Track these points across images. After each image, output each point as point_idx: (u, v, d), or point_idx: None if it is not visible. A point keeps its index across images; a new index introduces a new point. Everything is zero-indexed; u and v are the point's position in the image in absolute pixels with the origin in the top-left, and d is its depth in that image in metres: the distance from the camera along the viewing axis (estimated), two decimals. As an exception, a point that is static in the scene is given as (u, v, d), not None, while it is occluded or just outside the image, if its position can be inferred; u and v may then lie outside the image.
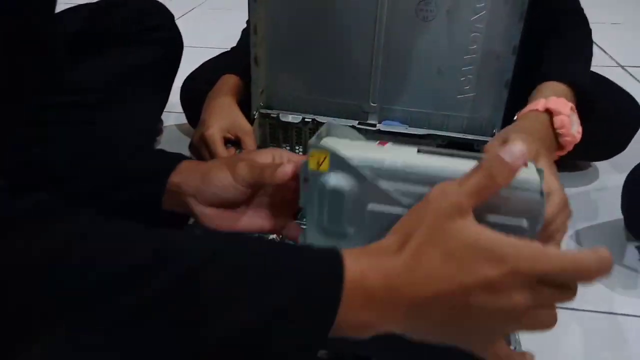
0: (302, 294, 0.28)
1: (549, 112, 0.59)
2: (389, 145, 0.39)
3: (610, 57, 1.36)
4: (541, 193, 0.33)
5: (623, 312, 0.57)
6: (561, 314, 0.56)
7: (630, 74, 1.26)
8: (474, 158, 0.37)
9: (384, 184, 0.36)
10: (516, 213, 0.34)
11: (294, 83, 0.80)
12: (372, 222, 0.38)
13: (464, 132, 0.76)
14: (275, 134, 0.82)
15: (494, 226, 0.34)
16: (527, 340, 0.52)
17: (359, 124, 0.77)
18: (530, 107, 0.61)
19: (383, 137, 0.75)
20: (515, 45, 0.67)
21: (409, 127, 0.77)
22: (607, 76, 0.80)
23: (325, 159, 0.36)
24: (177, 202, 0.44)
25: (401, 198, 0.36)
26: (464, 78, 0.74)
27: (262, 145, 0.81)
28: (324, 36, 0.76)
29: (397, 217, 0.36)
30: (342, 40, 0.76)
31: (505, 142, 0.54)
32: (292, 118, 0.79)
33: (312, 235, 0.40)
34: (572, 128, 0.58)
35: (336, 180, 0.37)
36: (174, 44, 0.85)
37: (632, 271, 0.64)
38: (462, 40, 0.71)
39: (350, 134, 0.41)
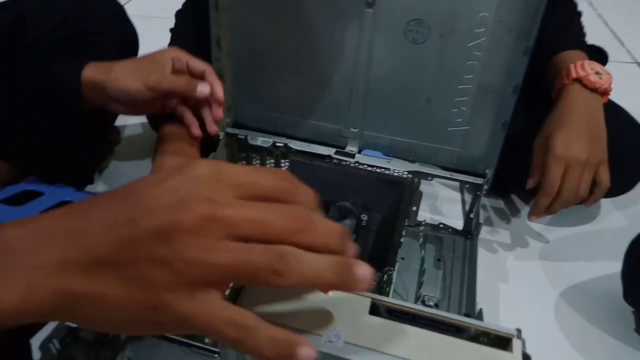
0: None
1: (579, 80, 0.65)
2: (331, 294, 0.31)
3: (628, 51, 1.23)
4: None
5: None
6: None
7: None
8: (442, 327, 0.30)
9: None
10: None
11: (264, 101, 0.71)
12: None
13: (454, 167, 0.67)
14: (243, 152, 0.73)
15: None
16: None
17: (336, 152, 0.68)
18: (558, 82, 0.67)
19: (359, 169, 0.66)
20: (517, 84, 0.57)
21: (393, 157, 0.68)
22: (620, 74, 0.71)
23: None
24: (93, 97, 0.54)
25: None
26: (456, 110, 0.64)
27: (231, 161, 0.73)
28: (297, 51, 0.66)
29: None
30: (319, 57, 0.66)
31: (548, 139, 0.64)
32: (261, 142, 0.70)
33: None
34: (602, 78, 0.65)
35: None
36: (125, 44, 0.73)
37: (625, 345, 0.58)
38: (456, 67, 0.61)
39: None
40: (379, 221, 0.65)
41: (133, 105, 0.58)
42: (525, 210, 0.76)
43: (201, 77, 0.60)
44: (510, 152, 0.65)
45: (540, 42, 0.56)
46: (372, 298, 0.31)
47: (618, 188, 0.69)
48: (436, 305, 0.58)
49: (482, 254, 0.67)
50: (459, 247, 0.66)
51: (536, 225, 0.74)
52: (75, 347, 0.37)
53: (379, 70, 0.64)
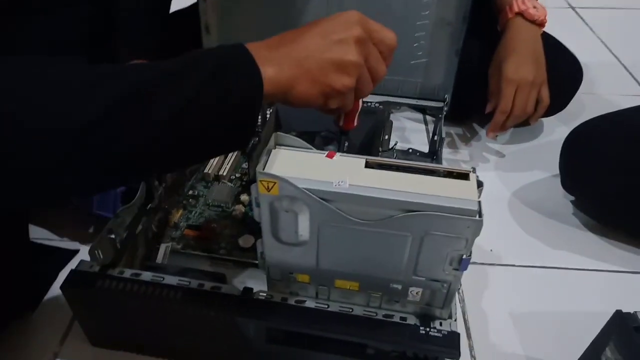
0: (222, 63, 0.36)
1: (520, 14, 0.76)
2: (336, 157, 0.41)
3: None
4: (479, 214, 0.37)
5: (560, 266, 0.65)
6: (497, 269, 0.65)
7: (579, 16, 1.29)
8: (419, 171, 0.40)
9: (334, 205, 0.39)
10: (457, 232, 0.38)
11: None
12: (325, 232, 0.41)
13: (418, 96, 0.78)
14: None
15: (438, 236, 0.38)
16: (467, 297, 0.60)
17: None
18: (503, 16, 0.79)
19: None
20: (466, 14, 0.68)
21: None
22: (558, 18, 0.83)
23: (274, 185, 0.38)
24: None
25: (352, 214, 0.39)
26: (416, 44, 0.74)
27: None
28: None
29: (351, 230, 0.40)
30: (295, 3, 0.74)
31: (499, 65, 0.76)
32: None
33: (268, 245, 0.43)
34: (539, 11, 0.76)
35: (287, 204, 0.39)
36: None
37: (566, 225, 0.71)
38: (415, 6, 0.71)
39: (298, 142, 0.43)
40: (357, 147, 0.75)
41: None
42: (482, 133, 0.88)
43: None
44: (467, 82, 0.76)
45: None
46: (365, 158, 0.41)
47: (555, 106, 0.81)
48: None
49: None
50: (427, 163, 0.77)
51: (492, 145, 0.86)
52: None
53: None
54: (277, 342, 0.47)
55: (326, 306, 0.46)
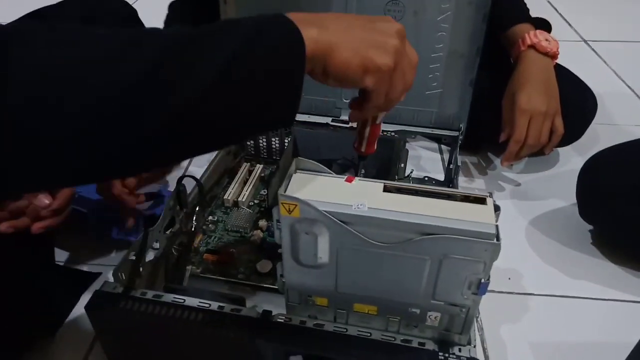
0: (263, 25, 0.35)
1: (533, 47, 0.79)
2: (355, 181, 0.43)
3: (575, 31, 1.39)
4: (497, 237, 0.38)
5: (579, 295, 0.64)
6: (516, 298, 0.64)
7: (592, 49, 1.30)
8: (436, 195, 0.41)
9: (353, 228, 0.40)
10: (475, 255, 0.39)
11: None
12: (344, 255, 0.42)
13: (433, 126, 0.79)
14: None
15: (456, 260, 0.39)
16: (486, 325, 0.59)
17: (332, 120, 0.80)
18: (516, 49, 0.81)
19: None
20: (479, 46, 0.70)
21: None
22: (571, 51, 0.85)
23: (295, 207, 0.39)
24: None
25: (370, 237, 0.40)
26: (431, 75, 0.76)
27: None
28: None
29: (370, 253, 0.41)
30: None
31: (513, 96, 0.77)
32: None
33: (288, 267, 0.44)
34: (551, 44, 0.79)
35: (307, 226, 0.40)
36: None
37: (584, 254, 0.70)
38: (428, 39, 0.73)
39: (318, 167, 0.44)
40: (373, 174, 0.77)
41: None
42: (497, 162, 0.88)
43: None
44: (481, 112, 0.78)
45: (493, 17, 0.69)
46: (383, 182, 0.42)
47: (570, 136, 0.82)
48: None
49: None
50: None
51: (508, 174, 0.86)
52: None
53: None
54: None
55: (345, 330, 0.46)
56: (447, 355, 0.44)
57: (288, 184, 0.42)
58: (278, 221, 0.41)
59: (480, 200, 0.41)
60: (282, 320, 0.47)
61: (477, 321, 0.61)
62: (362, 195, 0.41)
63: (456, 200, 0.41)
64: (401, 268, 0.42)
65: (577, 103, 0.81)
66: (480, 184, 0.84)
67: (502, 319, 0.61)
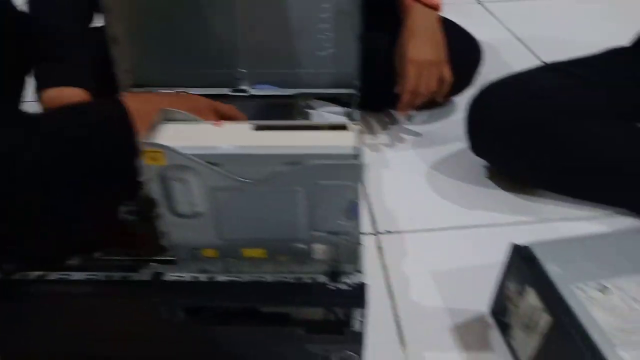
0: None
1: (418, 0, 0.80)
2: (225, 125, 0.43)
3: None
4: (357, 158, 0.39)
5: (475, 224, 0.68)
6: (417, 235, 0.67)
7: (486, 9, 1.38)
8: (304, 128, 0.42)
9: (222, 169, 0.40)
10: (339, 179, 0.40)
11: (161, 57, 0.80)
12: (220, 200, 0.42)
13: (332, 87, 0.81)
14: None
15: (325, 186, 0.40)
16: (390, 263, 0.61)
17: (233, 91, 0.79)
18: (402, 4, 0.82)
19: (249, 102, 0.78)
20: (360, 2, 0.72)
21: (281, 88, 0.80)
22: (466, 11, 0.89)
23: (160, 154, 0.39)
24: None
25: (242, 177, 0.40)
26: (322, 36, 0.78)
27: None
28: (183, 6, 0.76)
29: (246, 194, 0.41)
30: (203, 8, 0.76)
31: (402, 48, 0.80)
32: (164, 95, 0.80)
33: (168, 221, 0.44)
34: None
35: (175, 173, 0.40)
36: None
37: (480, 187, 0.75)
38: (315, 1, 0.75)
39: (185, 116, 0.44)
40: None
41: None
42: (400, 118, 0.92)
43: None
44: (380, 72, 0.80)
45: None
46: (254, 123, 0.43)
47: (460, 84, 0.87)
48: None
49: (368, 154, 0.83)
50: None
51: (410, 127, 0.90)
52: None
53: (255, 12, 0.76)
54: (194, 322, 0.47)
55: (237, 278, 0.46)
56: (335, 285, 0.45)
57: (153, 134, 0.42)
58: (146, 174, 0.41)
59: (342, 127, 0.42)
60: (174, 279, 0.47)
61: (381, 259, 0.63)
62: (231, 137, 0.41)
63: (321, 130, 0.42)
64: (277, 204, 0.42)
65: (463, 52, 0.86)
66: (384, 139, 0.87)
67: (405, 256, 0.64)
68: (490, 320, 0.55)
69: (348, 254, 0.46)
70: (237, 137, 0.41)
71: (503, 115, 0.70)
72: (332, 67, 0.80)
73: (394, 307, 0.57)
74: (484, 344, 0.53)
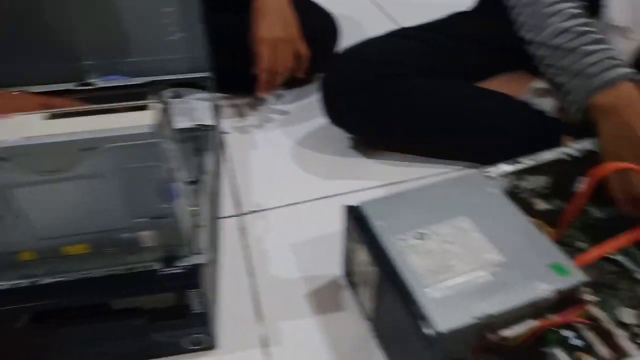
0: None
1: None
2: (17, 117, 0.40)
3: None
4: (158, 136, 0.38)
5: (333, 193, 0.70)
6: (279, 211, 0.68)
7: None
8: (103, 112, 0.41)
9: (13, 162, 0.37)
10: (146, 160, 0.39)
11: (5, 56, 0.73)
12: (21, 196, 0.40)
13: (187, 72, 0.79)
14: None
15: (133, 170, 0.39)
16: (252, 242, 0.62)
17: (78, 85, 0.75)
18: None
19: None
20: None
21: (132, 78, 0.77)
22: None
23: None
24: None
25: (39, 168, 0.38)
26: (167, 20, 0.75)
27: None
28: (15, 2, 0.70)
29: (50, 187, 0.38)
30: (35, 2, 0.71)
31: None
32: (2, 95, 0.73)
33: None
34: None
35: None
36: None
37: (343, 157, 0.77)
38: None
39: None
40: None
41: None
42: (268, 98, 0.92)
43: None
44: (240, 55, 0.79)
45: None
46: (50, 112, 0.40)
47: (319, 59, 0.88)
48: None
49: (235, 137, 0.82)
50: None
51: (278, 107, 0.90)
52: None
53: (89, 5, 0.72)
54: (35, 327, 0.44)
55: (63, 278, 0.44)
56: (168, 270, 0.45)
57: None
58: None
59: (142, 108, 0.41)
60: (-9, 289, 0.43)
61: (244, 239, 0.63)
62: (22, 129, 0.39)
63: (121, 112, 0.40)
64: (88, 195, 0.41)
65: (317, 27, 0.87)
66: (253, 121, 0.87)
67: (266, 233, 0.65)
68: (344, 282, 0.57)
69: (179, 236, 0.45)
70: (29, 128, 0.39)
71: (350, 82, 0.72)
72: (183, 52, 0.77)
73: (252, 285, 0.58)
74: (337, 306, 0.55)
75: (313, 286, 0.57)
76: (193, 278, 0.44)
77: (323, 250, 0.61)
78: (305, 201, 0.69)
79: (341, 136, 0.80)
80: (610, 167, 0.49)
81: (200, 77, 0.78)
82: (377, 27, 1.02)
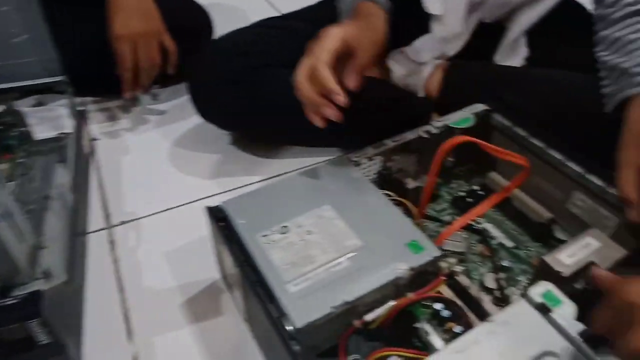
0: None
1: None
2: None
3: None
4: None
5: (209, 194, 0.68)
6: (154, 218, 0.63)
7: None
8: None
9: None
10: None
11: None
12: None
13: (38, 77, 0.71)
14: None
15: None
16: (123, 254, 0.57)
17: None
18: None
19: None
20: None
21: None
22: None
23: None
24: None
25: None
26: (8, 21, 0.67)
27: None
28: None
29: None
30: None
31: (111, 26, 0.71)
32: None
33: None
34: None
35: None
36: None
37: (222, 155, 0.74)
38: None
39: None
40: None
41: None
42: (143, 99, 0.86)
43: None
44: (101, 56, 0.73)
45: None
46: None
47: (191, 53, 0.83)
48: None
49: (106, 143, 0.76)
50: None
51: (155, 107, 0.85)
52: None
53: None
54: None
55: None
56: (4, 301, 0.40)
57: None
58: None
59: None
60: None
61: (112, 252, 0.59)
62: None
63: None
64: None
65: (185, 18, 0.83)
66: (125, 123, 0.81)
67: (139, 244, 0.61)
68: (223, 286, 0.55)
69: (8, 263, 0.40)
70: None
71: (212, 74, 0.70)
72: (32, 55, 0.70)
73: (123, 300, 0.54)
74: (216, 311, 0.53)
75: (190, 294, 0.54)
76: (31, 307, 0.40)
77: (202, 254, 0.58)
78: (182, 205, 0.66)
79: (220, 133, 0.77)
80: (454, 140, 0.51)
81: (54, 81, 0.71)
82: (261, 16, 1.01)
